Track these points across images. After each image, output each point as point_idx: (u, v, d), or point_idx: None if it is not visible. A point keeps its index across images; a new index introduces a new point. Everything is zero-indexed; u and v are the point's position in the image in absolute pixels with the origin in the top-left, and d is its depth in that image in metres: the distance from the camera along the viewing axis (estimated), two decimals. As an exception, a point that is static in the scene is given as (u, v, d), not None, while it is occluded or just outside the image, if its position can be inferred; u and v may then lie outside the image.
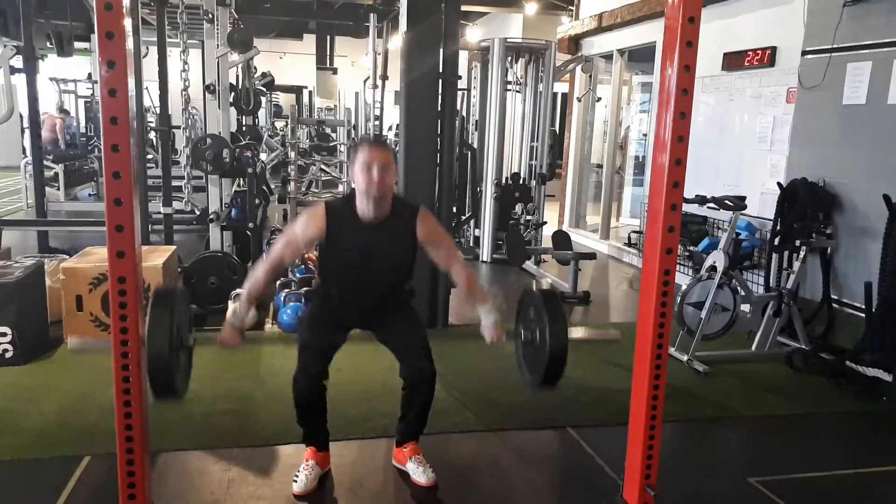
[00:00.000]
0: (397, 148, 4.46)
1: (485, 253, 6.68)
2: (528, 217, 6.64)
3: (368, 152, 2.33)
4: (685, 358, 3.86)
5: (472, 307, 2.49)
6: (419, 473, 2.57)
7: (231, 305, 2.40)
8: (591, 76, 7.93)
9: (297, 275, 4.93)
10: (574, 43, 8.01)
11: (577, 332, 2.38)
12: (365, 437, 2.89)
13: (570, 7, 8.85)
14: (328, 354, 2.50)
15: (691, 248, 5.11)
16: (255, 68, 8.48)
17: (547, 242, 6.32)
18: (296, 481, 2.49)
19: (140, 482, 1.96)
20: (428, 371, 2.47)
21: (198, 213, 5.96)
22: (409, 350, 2.50)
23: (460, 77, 4.57)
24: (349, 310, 2.54)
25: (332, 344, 2.53)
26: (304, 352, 2.48)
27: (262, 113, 11.17)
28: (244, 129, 8.45)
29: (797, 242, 4.11)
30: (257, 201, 6.13)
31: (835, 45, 4.23)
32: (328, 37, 14.31)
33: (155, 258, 4.02)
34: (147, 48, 7.19)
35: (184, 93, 4.78)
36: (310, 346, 2.49)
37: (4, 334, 3.46)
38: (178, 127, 6.61)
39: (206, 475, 2.58)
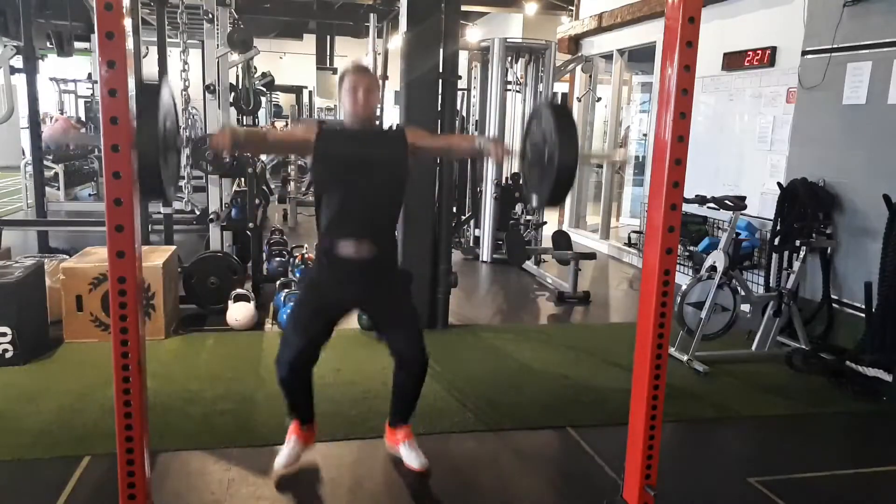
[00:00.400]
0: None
1: (485, 253, 6.68)
2: (528, 217, 6.64)
3: (354, 77, 2.41)
4: (685, 358, 3.86)
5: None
6: (412, 458, 2.60)
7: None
8: (591, 76, 7.93)
9: (298, 274, 4.93)
10: (574, 43, 8.01)
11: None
12: (365, 437, 2.89)
13: (570, 7, 8.85)
14: (320, 338, 2.46)
15: (691, 248, 5.11)
16: (255, 68, 8.48)
17: (547, 242, 6.32)
18: (278, 458, 2.55)
19: (140, 482, 1.96)
20: (419, 355, 2.49)
21: (198, 213, 5.97)
22: (401, 339, 2.50)
23: (460, 77, 4.57)
24: (343, 257, 2.40)
25: (325, 323, 2.47)
26: (290, 330, 2.45)
27: (262, 113, 11.17)
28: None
29: (797, 242, 4.11)
30: (257, 201, 6.13)
31: (835, 45, 4.23)
32: (328, 37, 14.30)
33: (155, 258, 4.02)
34: (147, 48, 7.17)
35: (184, 93, 4.77)
36: (297, 322, 2.45)
37: (4, 334, 3.46)
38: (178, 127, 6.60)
39: (206, 475, 2.58)
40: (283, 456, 2.55)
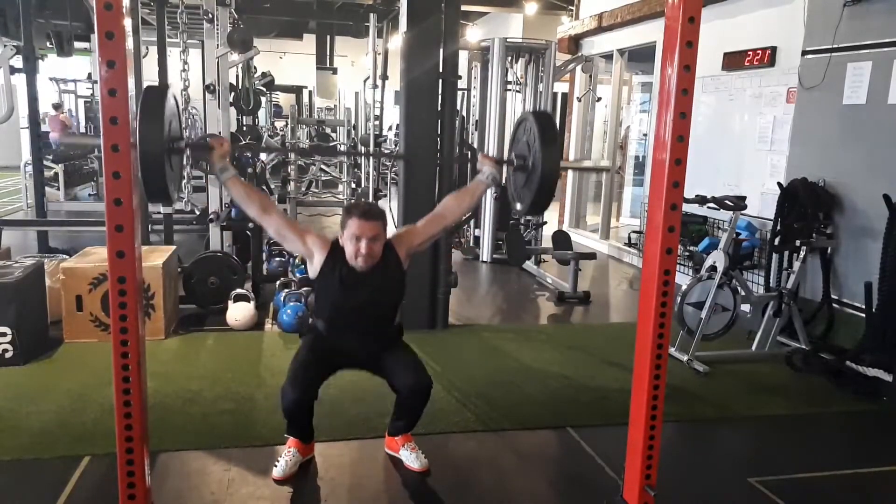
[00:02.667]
0: (397, 148, 4.45)
1: (485, 253, 6.68)
2: (528, 217, 6.64)
3: (358, 224, 2.37)
4: (685, 358, 3.86)
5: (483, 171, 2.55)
6: (412, 459, 2.64)
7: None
8: (591, 76, 7.92)
9: (298, 274, 4.93)
10: (574, 43, 8.01)
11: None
12: (365, 437, 2.89)
13: (570, 7, 8.85)
14: (320, 376, 2.54)
15: (691, 248, 5.11)
16: (255, 68, 8.48)
17: (547, 242, 6.32)
18: (276, 467, 2.55)
19: (140, 482, 1.96)
20: (424, 383, 2.55)
21: (198, 213, 5.96)
22: (402, 372, 2.56)
23: (460, 77, 4.57)
24: (344, 344, 2.57)
25: (325, 369, 2.57)
26: (298, 369, 2.51)
27: (262, 113, 11.16)
28: (244, 128, 8.45)
29: (797, 242, 4.11)
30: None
31: (835, 45, 4.23)
32: (328, 37, 14.31)
33: (155, 258, 4.02)
34: (147, 48, 7.18)
35: (184, 93, 4.77)
36: (304, 364, 2.53)
37: (4, 334, 3.46)
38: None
39: (205, 475, 2.57)
40: (280, 466, 2.55)
